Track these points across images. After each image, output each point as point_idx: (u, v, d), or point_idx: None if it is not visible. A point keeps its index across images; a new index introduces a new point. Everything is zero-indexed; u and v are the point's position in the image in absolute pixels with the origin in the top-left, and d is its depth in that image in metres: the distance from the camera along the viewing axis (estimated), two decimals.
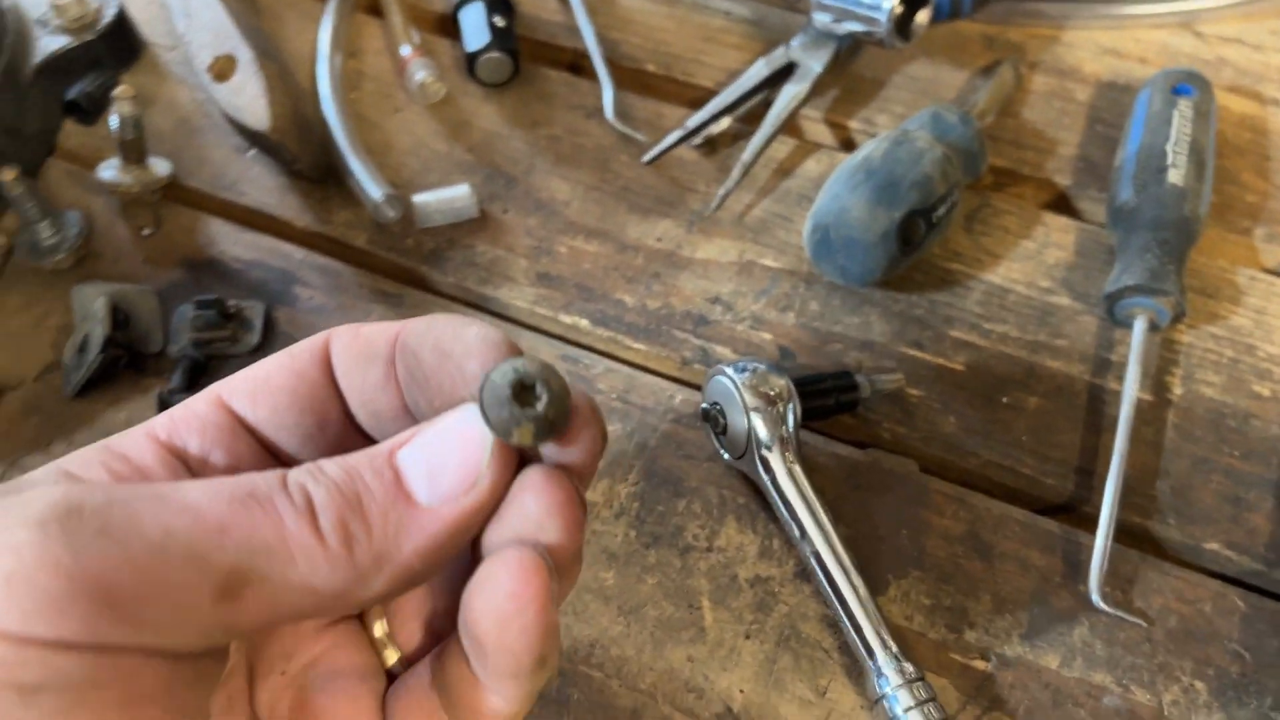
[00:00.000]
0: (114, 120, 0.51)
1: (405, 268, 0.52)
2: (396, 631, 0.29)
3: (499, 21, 0.56)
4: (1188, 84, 0.50)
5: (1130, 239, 0.47)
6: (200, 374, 0.48)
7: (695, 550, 0.43)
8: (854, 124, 0.55)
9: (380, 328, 0.27)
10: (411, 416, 0.26)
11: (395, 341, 0.26)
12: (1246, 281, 0.49)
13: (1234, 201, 0.51)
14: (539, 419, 0.23)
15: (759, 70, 0.54)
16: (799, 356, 0.48)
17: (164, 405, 0.46)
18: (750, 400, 0.42)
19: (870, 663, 0.38)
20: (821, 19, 0.53)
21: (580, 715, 0.39)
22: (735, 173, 0.51)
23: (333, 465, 0.23)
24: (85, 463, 0.24)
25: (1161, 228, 0.46)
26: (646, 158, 0.53)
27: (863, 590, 0.39)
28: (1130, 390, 0.44)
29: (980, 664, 0.40)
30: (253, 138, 0.53)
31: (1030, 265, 0.50)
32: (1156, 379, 0.46)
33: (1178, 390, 0.46)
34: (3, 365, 0.49)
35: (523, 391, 0.23)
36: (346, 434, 0.27)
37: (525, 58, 0.59)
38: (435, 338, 0.25)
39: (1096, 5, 0.57)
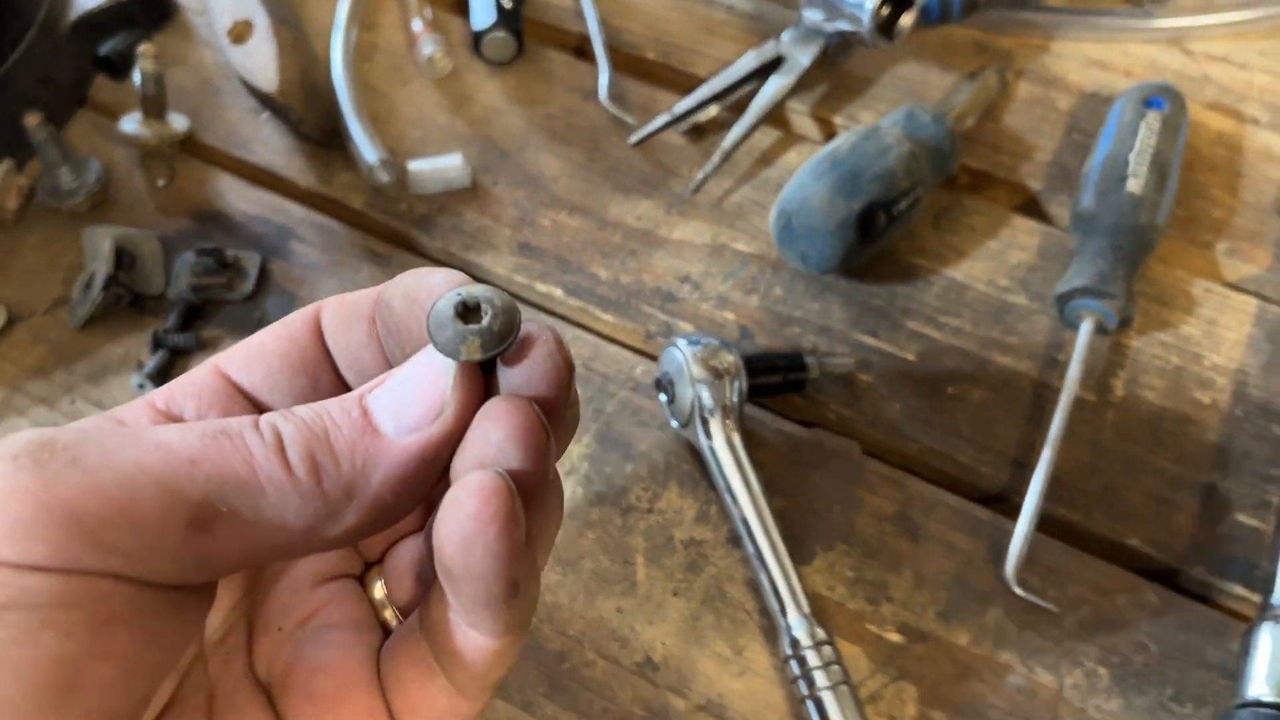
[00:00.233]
0: (137, 76, 0.54)
1: (396, 230, 0.54)
2: (394, 591, 0.29)
3: (506, 3, 0.59)
4: (1160, 97, 0.51)
5: (1087, 243, 0.48)
6: (195, 317, 0.51)
7: (636, 510, 0.45)
8: (839, 119, 0.57)
9: (365, 291, 0.28)
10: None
11: (376, 300, 0.27)
12: (1202, 293, 0.50)
13: (1200, 215, 0.52)
14: (484, 330, 0.23)
15: (748, 61, 0.56)
16: (757, 337, 0.50)
17: (158, 344, 0.50)
18: (697, 371, 0.44)
19: (782, 622, 0.40)
20: (811, 16, 0.55)
21: None
22: (715, 157, 0.54)
23: (304, 408, 0.24)
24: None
25: (1117, 234, 0.47)
26: (633, 139, 0.55)
27: (784, 555, 0.41)
28: (1070, 387, 0.45)
29: (894, 636, 0.42)
30: (263, 99, 0.56)
31: (992, 264, 0.51)
32: (1101, 380, 0.48)
33: (1120, 392, 0.47)
34: (16, 297, 0.52)
35: (467, 311, 0.24)
36: (337, 394, 0.27)
37: (532, 39, 0.61)
38: (404, 287, 0.26)
39: (1089, 17, 0.58)
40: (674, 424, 0.46)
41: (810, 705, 0.38)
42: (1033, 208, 0.54)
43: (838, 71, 0.58)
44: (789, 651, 0.40)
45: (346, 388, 0.27)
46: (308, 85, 0.55)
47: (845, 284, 0.51)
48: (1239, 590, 0.42)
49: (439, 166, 0.55)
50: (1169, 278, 0.50)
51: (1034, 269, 0.51)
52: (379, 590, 0.29)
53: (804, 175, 0.49)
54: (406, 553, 0.30)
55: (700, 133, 0.57)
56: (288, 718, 0.27)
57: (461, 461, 0.24)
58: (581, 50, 0.62)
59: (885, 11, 0.53)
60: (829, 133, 0.58)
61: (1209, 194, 0.53)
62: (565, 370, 0.25)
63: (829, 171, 0.48)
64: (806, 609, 0.40)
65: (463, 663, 0.26)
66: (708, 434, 0.43)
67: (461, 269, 0.52)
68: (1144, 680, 0.40)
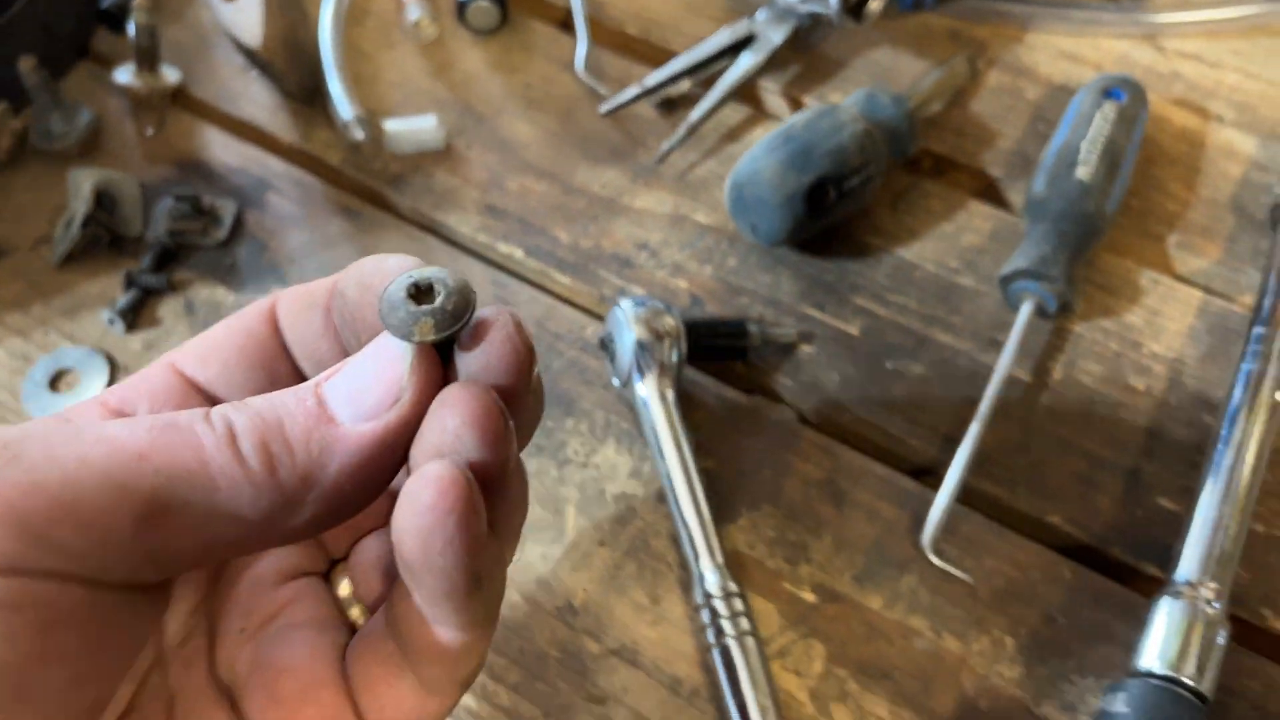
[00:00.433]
0: (130, 27, 0.56)
1: (369, 188, 0.56)
2: (360, 588, 0.29)
3: None
4: (1120, 89, 0.52)
5: (1035, 228, 0.49)
6: (169, 260, 0.53)
7: (573, 464, 0.46)
8: (809, 99, 0.58)
9: (320, 281, 0.27)
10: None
11: (331, 289, 0.27)
12: (1149, 283, 0.50)
13: (1155, 208, 0.53)
14: (437, 311, 0.23)
15: (721, 38, 0.57)
16: (707, 305, 0.51)
17: (130, 282, 0.52)
18: (637, 331, 0.45)
19: (696, 572, 0.41)
20: None
21: None
22: (680, 130, 0.55)
23: (257, 398, 0.23)
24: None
25: (1064, 219, 0.48)
26: (604, 108, 0.57)
27: (705, 509, 0.42)
28: (1004, 365, 0.46)
29: (808, 595, 0.43)
30: (248, 55, 0.58)
31: (944, 246, 0.52)
32: (1040, 363, 0.48)
33: (1057, 375, 0.48)
34: (4, 233, 0.54)
35: (419, 292, 0.23)
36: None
37: (518, 10, 0.63)
38: (359, 274, 0.26)
39: (1065, 10, 0.59)
40: (615, 383, 0.47)
41: (716, 653, 0.40)
42: (992, 194, 0.54)
43: (812, 53, 0.59)
44: (700, 601, 0.41)
45: (305, 379, 0.27)
46: (292, 43, 0.57)
47: (797, 258, 0.52)
48: (1153, 571, 0.43)
49: (414, 128, 0.56)
50: (1118, 267, 0.51)
51: (984, 252, 0.52)
52: (344, 588, 0.29)
53: (758, 149, 0.50)
54: (372, 548, 0.29)
55: (672, 107, 0.58)
56: None
57: (419, 451, 0.23)
58: (566, 23, 0.63)
59: None
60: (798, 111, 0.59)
61: (1166, 188, 0.53)
62: (525, 355, 0.24)
63: (782, 146, 0.49)
64: (720, 561, 0.41)
65: (430, 659, 0.25)
66: (642, 389, 0.45)
67: (430, 227, 0.54)
68: (1048, 651, 0.41)
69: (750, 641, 0.40)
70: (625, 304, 0.46)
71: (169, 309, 0.52)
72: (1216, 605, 0.38)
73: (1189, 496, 0.44)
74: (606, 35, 0.62)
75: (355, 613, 0.29)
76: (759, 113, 0.58)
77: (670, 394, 0.45)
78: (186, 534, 0.22)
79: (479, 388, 0.23)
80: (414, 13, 0.60)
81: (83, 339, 0.51)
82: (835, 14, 0.54)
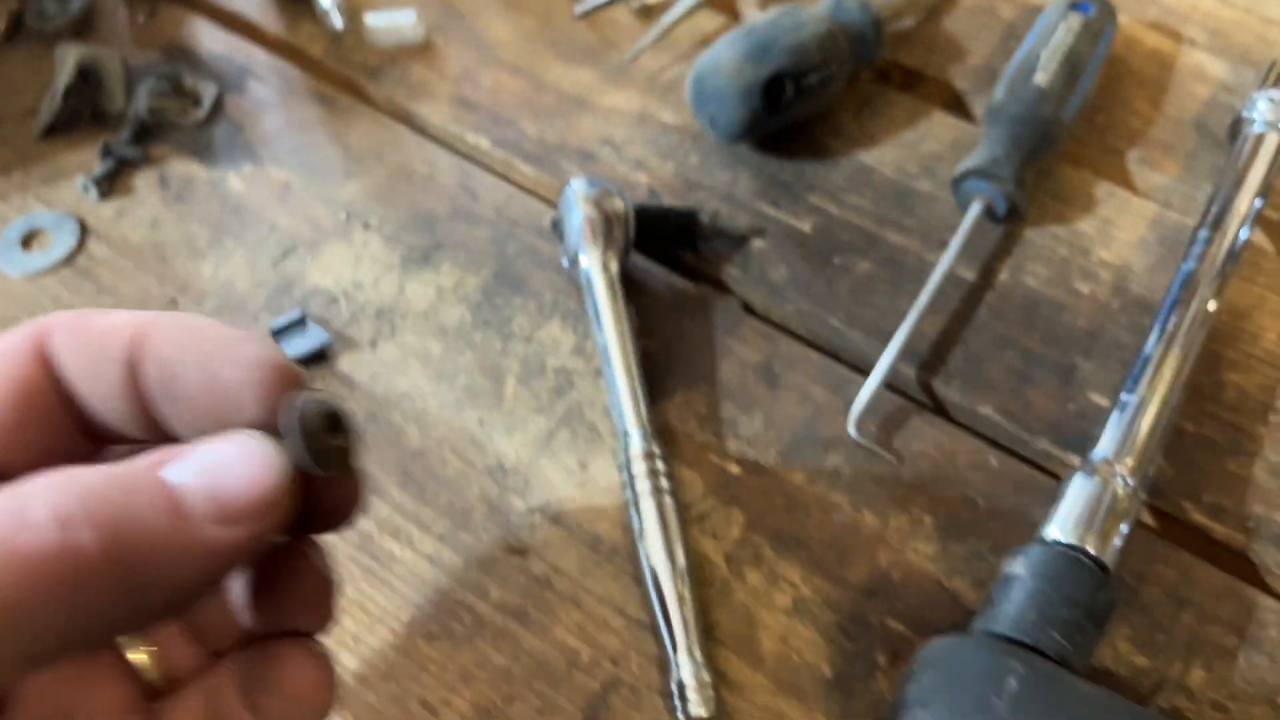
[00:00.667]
0: None
1: (347, 78, 0.57)
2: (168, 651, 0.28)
3: None
4: (1089, 3, 0.52)
5: (991, 132, 0.49)
6: (147, 135, 0.55)
7: (517, 338, 0.47)
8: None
9: (109, 323, 0.25)
10: (154, 421, 0.25)
11: (131, 344, 0.25)
12: (1105, 194, 0.50)
13: (1118, 124, 0.53)
14: (349, 450, 0.24)
15: None
16: (664, 198, 0.52)
17: (107, 152, 0.53)
18: (585, 210, 0.46)
19: (621, 432, 0.42)
20: None
21: (377, 450, 0.44)
22: (652, 31, 0.56)
23: (95, 484, 0.21)
24: None
25: (1018, 124, 0.48)
26: (579, 10, 0.58)
27: (637, 378, 0.43)
28: (947, 260, 0.46)
29: (733, 467, 0.43)
30: None
31: (904, 152, 0.52)
32: (987, 264, 0.49)
33: (1003, 276, 0.48)
34: None
35: (334, 424, 0.24)
36: (77, 437, 0.26)
37: None
38: (201, 355, 0.24)
39: None
40: (564, 263, 0.48)
41: (633, 509, 0.40)
42: (958, 107, 0.55)
43: None
44: (623, 459, 0.42)
45: (89, 432, 0.26)
46: None
47: (757, 157, 0.53)
48: (1078, 462, 0.43)
49: (394, 22, 0.57)
50: (1075, 178, 0.51)
51: (944, 159, 0.52)
52: (139, 654, 0.27)
53: (721, 44, 0.50)
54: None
55: (650, 13, 0.59)
56: None
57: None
58: None
59: None
60: None
61: (1131, 105, 0.53)
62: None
63: (743, 40, 0.50)
64: (646, 427, 0.42)
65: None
66: (585, 260, 0.46)
67: (401, 117, 0.55)
68: (966, 531, 0.41)
69: (668, 500, 0.40)
70: (576, 184, 0.47)
71: (143, 180, 0.53)
72: (1128, 482, 0.38)
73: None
74: None
75: (149, 670, 0.27)
76: (733, 19, 0.59)
77: (614, 268, 0.46)
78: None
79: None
80: None
81: (59, 205, 0.52)
82: None
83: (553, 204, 0.52)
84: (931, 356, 0.46)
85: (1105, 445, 0.40)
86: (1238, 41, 0.55)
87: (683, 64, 0.56)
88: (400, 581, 0.41)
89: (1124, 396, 0.41)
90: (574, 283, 0.49)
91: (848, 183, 0.52)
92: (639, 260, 0.49)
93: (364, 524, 0.42)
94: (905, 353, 0.45)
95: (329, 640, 0.29)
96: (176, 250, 0.50)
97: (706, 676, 0.37)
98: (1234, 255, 0.44)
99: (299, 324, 0.46)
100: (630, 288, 0.47)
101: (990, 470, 0.43)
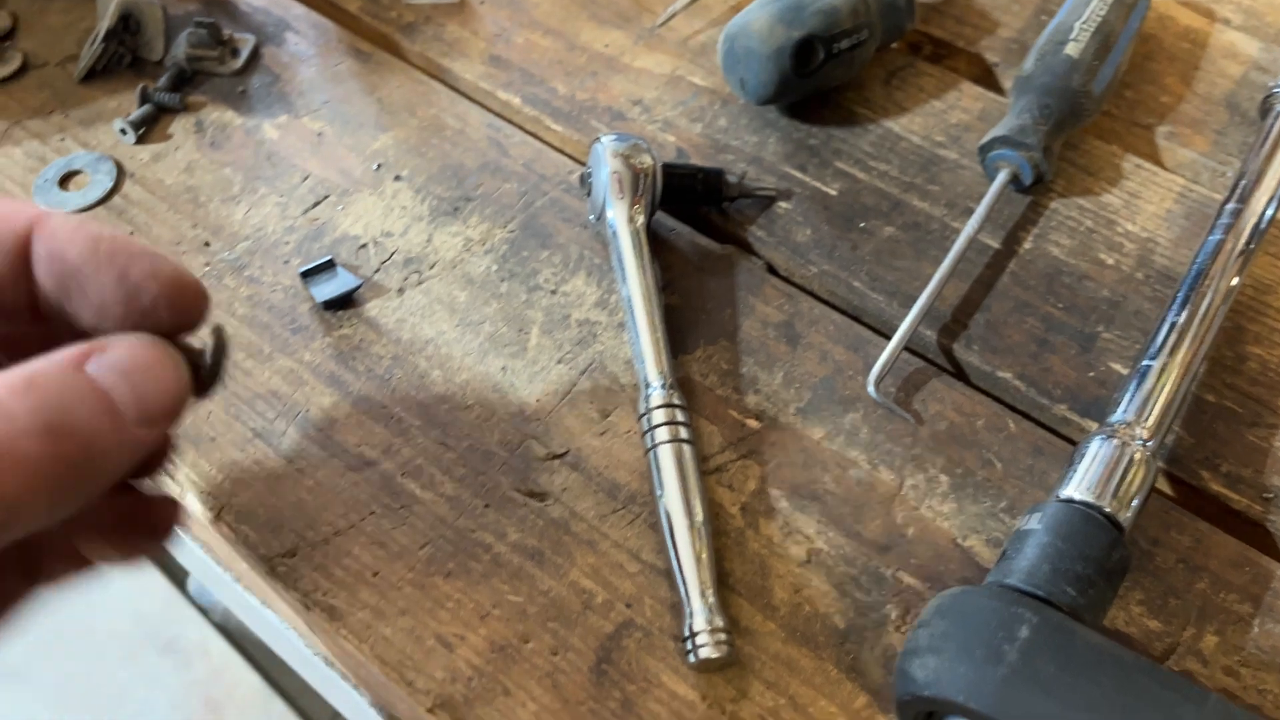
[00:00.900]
0: None
1: (382, 33, 0.58)
2: None
3: None
4: None
5: (1019, 101, 0.49)
6: (184, 82, 0.56)
7: (542, 290, 0.48)
8: None
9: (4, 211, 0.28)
10: (36, 309, 0.28)
11: (29, 237, 0.27)
12: (1132, 168, 0.50)
13: (1148, 99, 0.53)
14: (220, 379, 0.29)
15: None
16: (692, 159, 0.52)
17: (144, 98, 0.54)
18: (613, 164, 0.46)
19: (643, 381, 0.43)
20: None
21: (400, 392, 0.45)
22: None
23: (31, 376, 0.24)
24: None
25: (1047, 94, 0.48)
26: None
27: (660, 329, 0.44)
28: (971, 226, 0.47)
29: (752, 422, 0.44)
30: None
31: (931, 121, 0.53)
32: (1012, 233, 0.49)
33: (1027, 245, 0.48)
34: (36, 48, 0.57)
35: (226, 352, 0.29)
36: None
37: None
38: (119, 263, 0.27)
39: None
40: (591, 218, 0.48)
41: (652, 455, 0.41)
42: (988, 80, 0.55)
43: None
44: (644, 409, 0.42)
45: None
46: None
47: (786, 122, 0.53)
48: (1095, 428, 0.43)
49: None
50: (1102, 151, 0.51)
51: (971, 129, 0.52)
52: None
53: (754, 5, 0.51)
54: None
55: None
56: None
57: None
58: None
59: None
60: None
61: (1161, 81, 0.53)
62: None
63: (775, 2, 0.50)
64: (668, 377, 0.42)
65: None
66: (611, 214, 0.46)
67: (434, 74, 0.56)
68: (981, 491, 0.42)
69: (686, 449, 0.41)
70: (605, 139, 0.47)
71: (180, 126, 0.54)
72: (1147, 444, 0.38)
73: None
74: None
75: None
76: None
77: (640, 221, 0.46)
78: None
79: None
80: None
81: (96, 148, 0.53)
82: None
83: (581, 162, 0.52)
84: (952, 321, 0.46)
85: (1124, 409, 0.40)
86: (1272, 22, 0.55)
87: (714, 28, 0.57)
88: (420, 520, 0.41)
89: (1144, 362, 0.41)
90: (600, 238, 0.49)
91: (874, 149, 0.52)
92: (665, 219, 0.50)
93: (385, 465, 0.43)
94: (926, 316, 0.45)
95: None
96: (210, 194, 0.51)
97: (720, 621, 0.37)
98: (1260, 231, 0.44)
99: (329, 268, 0.47)
100: (655, 245, 0.48)
101: (1008, 433, 0.43)
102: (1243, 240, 0.44)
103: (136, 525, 0.32)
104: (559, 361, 0.46)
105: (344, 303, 0.47)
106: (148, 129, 0.54)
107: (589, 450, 0.43)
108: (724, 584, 0.39)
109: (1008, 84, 0.54)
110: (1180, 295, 0.43)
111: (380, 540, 0.41)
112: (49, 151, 0.53)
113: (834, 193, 0.50)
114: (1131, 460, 0.38)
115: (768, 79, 0.50)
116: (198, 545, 0.49)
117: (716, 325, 0.46)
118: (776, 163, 0.52)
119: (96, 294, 0.27)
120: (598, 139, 0.47)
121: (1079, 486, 0.38)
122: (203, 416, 0.44)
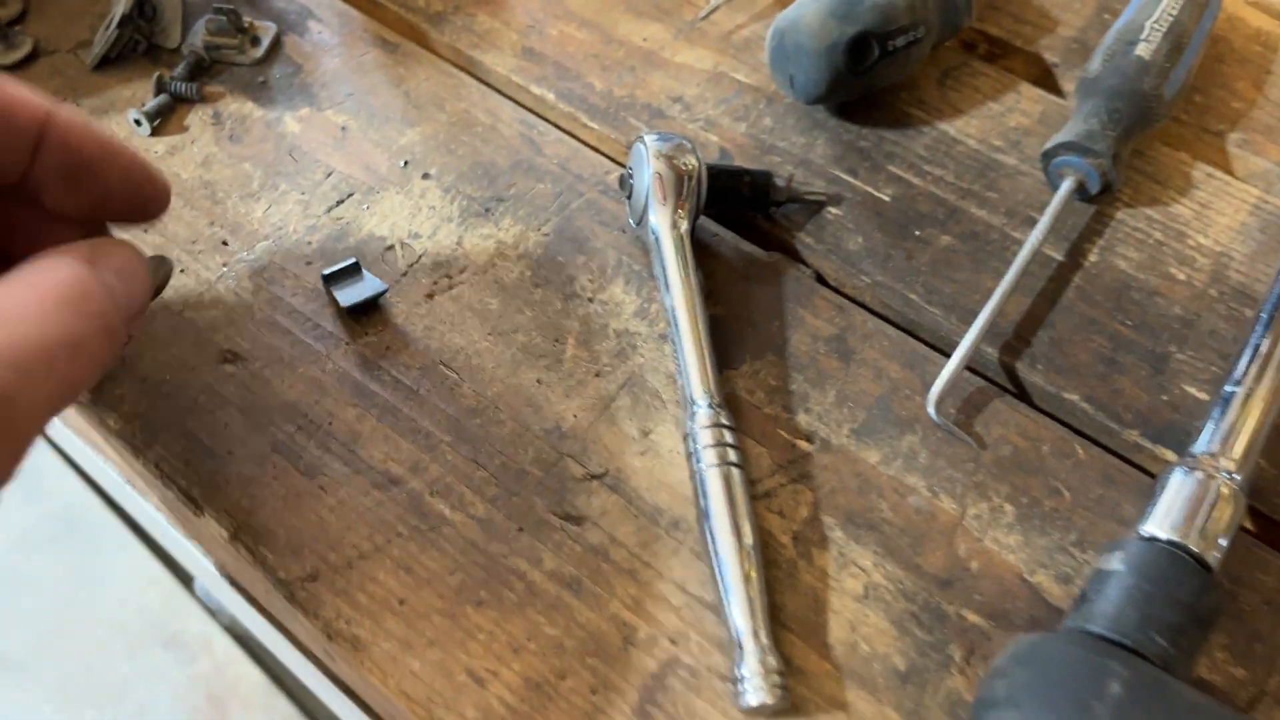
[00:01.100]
0: None
1: (410, 23, 0.55)
2: None
3: None
4: None
5: (1084, 104, 0.46)
6: (202, 71, 0.53)
7: (579, 298, 0.45)
8: None
9: (20, 96, 0.31)
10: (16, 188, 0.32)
11: (44, 125, 0.31)
12: (1202, 177, 0.48)
13: (1219, 104, 0.50)
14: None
15: None
16: (736, 160, 0.49)
17: (160, 87, 0.51)
18: (656, 165, 0.44)
19: (688, 399, 0.40)
20: None
21: (429, 405, 0.42)
22: None
23: (55, 268, 0.29)
24: None
25: (1115, 97, 0.46)
26: None
27: (705, 343, 0.41)
28: (1035, 238, 0.44)
29: (803, 444, 0.41)
30: None
31: (989, 124, 0.50)
32: (1076, 244, 0.46)
33: (1093, 257, 0.46)
34: (47, 33, 0.54)
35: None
36: None
37: None
38: (126, 165, 0.33)
39: None
40: (631, 223, 0.46)
41: (699, 479, 0.38)
42: (1047, 81, 0.52)
43: None
44: (690, 429, 0.39)
45: None
46: None
47: (835, 122, 0.50)
48: (1171, 456, 0.41)
49: None
50: (1171, 159, 0.48)
51: (1031, 134, 0.49)
52: None
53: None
54: None
55: None
56: None
57: None
58: None
59: None
60: None
61: (1232, 86, 0.51)
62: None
63: None
64: (714, 395, 0.40)
65: None
66: (654, 218, 0.43)
67: (465, 66, 0.53)
68: (1049, 523, 0.39)
69: (735, 473, 0.38)
70: (648, 138, 0.44)
71: (197, 118, 0.51)
72: (1234, 478, 0.36)
73: (1220, 386, 0.41)
74: None
75: None
76: None
77: (684, 227, 0.43)
78: None
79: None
80: None
81: None
82: None
83: (619, 162, 0.50)
84: (1015, 338, 0.44)
85: (1207, 439, 0.37)
86: None
87: (758, 23, 0.54)
88: (449, 544, 0.39)
89: (1227, 388, 0.38)
90: (639, 243, 0.46)
91: (929, 153, 0.49)
92: (706, 223, 0.47)
93: (413, 483, 0.40)
94: (987, 333, 0.42)
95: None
96: (228, 190, 0.48)
97: (774, 662, 0.35)
98: None
99: (353, 271, 0.44)
100: (698, 252, 0.45)
101: (1076, 460, 0.41)
102: None
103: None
104: (596, 374, 0.43)
105: (369, 308, 0.44)
106: (163, 120, 0.51)
107: (629, 471, 0.40)
108: (775, 619, 0.37)
109: (1068, 86, 0.52)
110: (1264, 317, 0.40)
111: (407, 565, 0.38)
112: None
113: (887, 198, 0.48)
114: (1219, 495, 0.35)
115: (819, 77, 0.47)
116: (217, 567, 0.46)
117: (764, 338, 0.44)
118: (825, 165, 0.49)
119: (101, 187, 0.32)
120: (640, 138, 0.45)
121: (1163, 524, 0.35)
122: (219, 427, 0.41)
